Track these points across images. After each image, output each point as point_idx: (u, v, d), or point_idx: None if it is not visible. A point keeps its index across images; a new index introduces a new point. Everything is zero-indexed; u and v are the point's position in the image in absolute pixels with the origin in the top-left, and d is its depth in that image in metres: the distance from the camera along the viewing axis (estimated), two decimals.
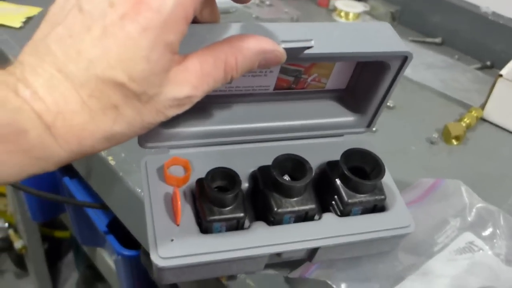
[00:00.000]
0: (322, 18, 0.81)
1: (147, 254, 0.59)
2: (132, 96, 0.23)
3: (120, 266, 0.67)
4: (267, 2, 0.83)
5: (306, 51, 0.29)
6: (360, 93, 0.38)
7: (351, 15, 0.80)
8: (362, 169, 0.36)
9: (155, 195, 0.33)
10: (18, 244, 1.18)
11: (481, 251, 0.41)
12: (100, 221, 0.66)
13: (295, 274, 0.37)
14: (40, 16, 0.68)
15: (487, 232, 0.42)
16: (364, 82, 0.37)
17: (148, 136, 0.34)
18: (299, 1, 0.86)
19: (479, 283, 0.38)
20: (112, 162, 0.48)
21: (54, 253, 1.31)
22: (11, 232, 1.21)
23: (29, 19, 0.68)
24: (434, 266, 0.39)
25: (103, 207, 0.60)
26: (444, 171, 0.52)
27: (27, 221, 1.04)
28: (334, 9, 0.81)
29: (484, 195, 0.44)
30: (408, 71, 0.67)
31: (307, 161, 0.34)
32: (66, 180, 0.70)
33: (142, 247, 0.60)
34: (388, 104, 0.60)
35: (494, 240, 0.42)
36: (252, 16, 0.77)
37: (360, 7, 0.80)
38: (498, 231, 0.42)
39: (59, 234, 1.23)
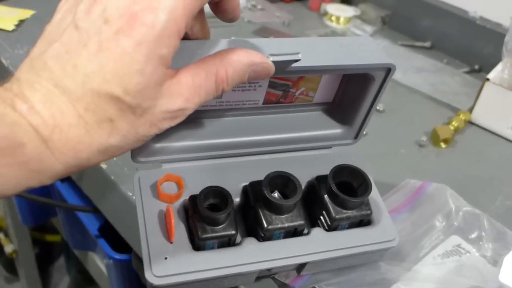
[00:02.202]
0: (313, 22, 0.82)
1: (138, 258, 0.59)
2: (127, 109, 0.24)
3: (112, 270, 0.67)
4: (259, 6, 0.83)
5: (294, 64, 0.30)
6: (346, 106, 0.39)
7: (342, 19, 0.80)
8: (349, 184, 0.37)
9: (148, 212, 0.34)
10: (8, 248, 1.16)
11: (468, 253, 0.42)
12: (91, 225, 0.66)
13: (281, 276, 0.38)
14: (33, 19, 0.68)
15: (473, 235, 0.43)
16: (350, 95, 0.38)
17: (140, 151, 0.34)
18: (290, 5, 0.86)
19: (467, 284, 0.38)
20: (104, 166, 0.48)
21: (45, 257, 1.30)
22: (1, 236, 1.20)
23: (21, 22, 0.68)
24: (422, 270, 0.40)
25: (95, 211, 0.60)
26: (432, 173, 0.53)
27: (17, 225, 1.03)
28: (325, 13, 0.82)
29: (472, 198, 0.45)
30: (398, 75, 0.68)
31: (296, 179, 0.35)
32: (58, 183, 0.69)
33: (133, 251, 0.60)
34: (378, 108, 0.61)
35: (480, 243, 0.43)
36: (244, 21, 0.78)
37: (351, 12, 0.81)
38: (483, 233, 0.43)
39: (50, 238, 1.22)
